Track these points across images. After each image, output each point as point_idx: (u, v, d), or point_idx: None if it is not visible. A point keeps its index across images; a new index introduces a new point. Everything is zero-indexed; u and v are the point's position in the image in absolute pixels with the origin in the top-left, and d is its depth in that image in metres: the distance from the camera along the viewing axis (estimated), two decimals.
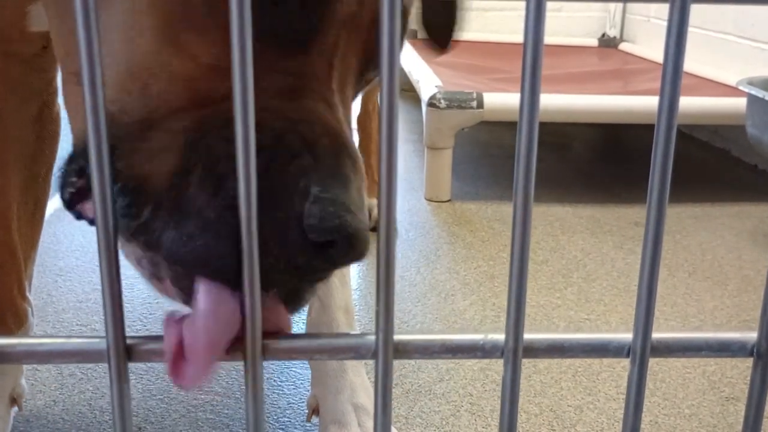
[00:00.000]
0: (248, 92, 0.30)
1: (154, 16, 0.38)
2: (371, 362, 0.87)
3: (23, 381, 0.78)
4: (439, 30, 0.62)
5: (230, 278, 0.35)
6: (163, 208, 0.36)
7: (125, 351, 0.33)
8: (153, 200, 0.36)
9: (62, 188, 0.40)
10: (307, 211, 0.36)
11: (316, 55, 0.40)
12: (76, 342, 0.34)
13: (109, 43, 0.38)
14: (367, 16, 0.42)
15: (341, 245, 0.36)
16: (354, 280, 1.19)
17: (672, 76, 0.31)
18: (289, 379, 0.90)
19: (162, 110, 0.38)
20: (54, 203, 1.46)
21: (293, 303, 0.39)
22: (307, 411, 0.79)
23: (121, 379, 0.33)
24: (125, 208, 0.37)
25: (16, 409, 0.78)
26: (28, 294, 0.75)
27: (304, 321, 0.80)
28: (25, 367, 0.88)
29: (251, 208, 0.31)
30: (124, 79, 0.38)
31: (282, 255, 0.36)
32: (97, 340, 0.34)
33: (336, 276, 0.75)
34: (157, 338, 0.34)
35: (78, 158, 0.40)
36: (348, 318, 0.76)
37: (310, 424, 0.80)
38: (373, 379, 0.79)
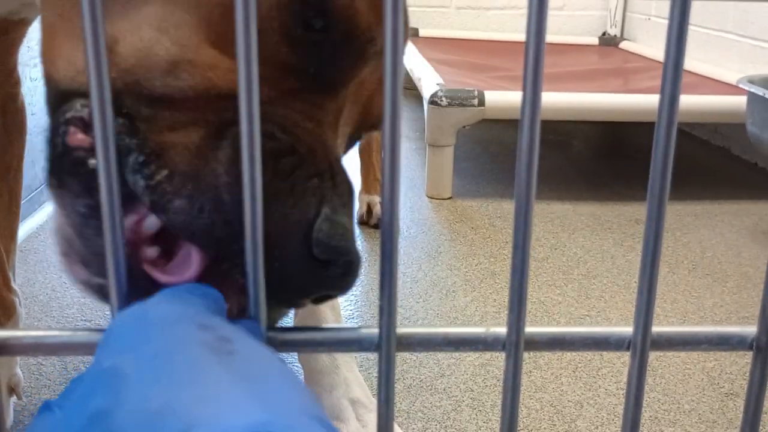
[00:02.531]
0: (254, 94, 0.30)
1: (190, 15, 0.39)
2: (370, 358, 0.88)
3: (18, 370, 0.79)
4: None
5: (224, 256, 0.36)
6: (180, 175, 0.37)
7: None
8: (170, 166, 0.37)
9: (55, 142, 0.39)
10: (318, 227, 0.37)
11: (333, 104, 0.43)
12: (82, 335, 0.35)
13: (137, 12, 0.39)
14: (373, 83, 0.45)
15: (340, 267, 0.37)
16: None
17: (672, 74, 0.32)
18: None
19: (188, 93, 0.38)
20: None
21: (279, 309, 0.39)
22: None
23: None
24: (140, 165, 0.37)
25: (15, 398, 0.78)
26: (14, 285, 0.76)
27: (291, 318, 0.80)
28: (29, 361, 0.89)
29: (256, 204, 0.32)
30: (152, 54, 0.38)
31: (283, 258, 0.37)
32: (102, 332, 0.34)
33: None
34: None
35: (62, 111, 0.39)
36: (335, 314, 0.77)
37: None
38: (370, 376, 0.80)
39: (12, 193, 0.75)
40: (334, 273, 0.37)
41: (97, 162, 0.31)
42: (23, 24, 0.67)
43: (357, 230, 0.43)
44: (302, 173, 0.38)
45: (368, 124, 0.47)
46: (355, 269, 0.38)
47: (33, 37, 0.68)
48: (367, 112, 0.46)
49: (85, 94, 0.38)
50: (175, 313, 0.28)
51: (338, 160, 0.41)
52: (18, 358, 0.79)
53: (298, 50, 0.40)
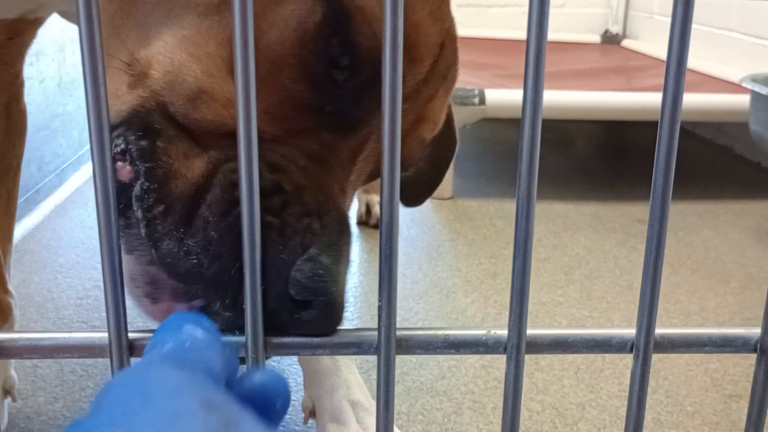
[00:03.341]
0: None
1: (223, 48, 0.39)
2: (370, 360, 0.87)
3: (13, 372, 0.79)
4: (415, 190, 0.62)
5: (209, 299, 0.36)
6: (173, 214, 0.37)
7: (128, 345, 0.33)
8: (167, 202, 0.37)
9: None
10: (298, 266, 0.36)
11: (351, 142, 0.42)
12: (78, 337, 0.34)
13: (173, 35, 0.39)
14: (405, 123, 0.44)
15: (315, 309, 0.36)
16: (355, 276, 1.19)
17: (675, 72, 0.31)
18: (288, 377, 0.90)
19: (203, 125, 0.38)
20: (54, 200, 1.46)
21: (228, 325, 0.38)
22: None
23: None
24: (142, 192, 0.37)
25: (10, 400, 0.78)
26: (9, 287, 0.75)
27: None
28: (25, 363, 0.88)
29: (254, 204, 0.31)
30: (181, 80, 0.39)
31: (263, 297, 0.36)
32: (99, 334, 0.34)
33: None
34: None
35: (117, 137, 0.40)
36: None
37: (309, 424, 0.79)
38: (370, 378, 0.79)
39: (10, 194, 0.75)
40: (311, 315, 0.36)
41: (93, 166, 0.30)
42: (36, 24, 0.66)
43: (351, 268, 0.41)
44: (291, 212, 0.37)
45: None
46: (333, 311, 0.36)
47: None
48: None
49: (114, 126, 0.39)
50: (179, 382, 0.25)
51: (334, 199, 0.40)
52: (13, 361, 0.79)
53: (318, 88, 0.39)
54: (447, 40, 0.44)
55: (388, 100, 0.31)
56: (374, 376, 0.82)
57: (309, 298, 0.35)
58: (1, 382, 0.76)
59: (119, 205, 0.35)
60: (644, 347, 0.35)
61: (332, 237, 0.38)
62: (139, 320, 1.12)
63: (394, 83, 0.30)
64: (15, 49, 0.67)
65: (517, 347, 0.34)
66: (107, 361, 0.33)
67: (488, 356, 0.95)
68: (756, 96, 1.38)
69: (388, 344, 0.34)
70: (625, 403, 0.37)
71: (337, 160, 0.42)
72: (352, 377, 0.75)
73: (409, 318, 1.05)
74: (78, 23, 0.29)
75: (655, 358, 0.36)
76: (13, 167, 0.74)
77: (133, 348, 0.34)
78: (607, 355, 0.95)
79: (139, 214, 0.37)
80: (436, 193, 1.77)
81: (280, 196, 0.38)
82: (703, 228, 1.45)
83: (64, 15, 0.66)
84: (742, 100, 1.53)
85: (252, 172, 0.31)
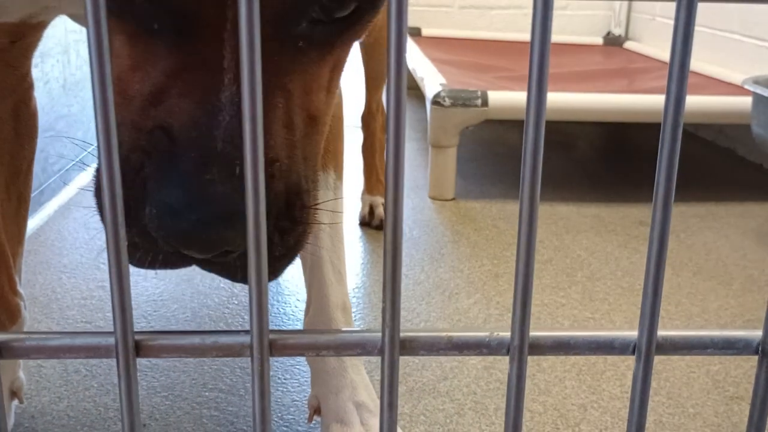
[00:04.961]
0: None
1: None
2: (372, 361, 0.87)
3: (21, 374, 0.78)
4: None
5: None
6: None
7: (134, 346, 0.34)
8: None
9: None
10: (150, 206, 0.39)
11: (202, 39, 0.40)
12: (84, 337, 0.34)
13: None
14: None
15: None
16: (358, 278, 1.19)
17: (678, 74, 0.31)
18: (293, 377, 0.90)
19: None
20: (58, 200, 1.47)
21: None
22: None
23: (129, 374, 0.33)
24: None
25: (17, 402, 0.78)
26: (19, 289, 0.75)
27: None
28: (29, 363, 0.89)
29: (259, 203, 0.31)
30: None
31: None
32: (105, 335, 0.34)
33: (331, 273, 0.75)
34: (165, 333, 0.34)
35: None
36: (346, 316, 0.76)
37: (313, 423, 0.80)
38: (373, 379, 0.79)
39: (21, 197, 0.75)
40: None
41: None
42: (41, 27, 0.66)
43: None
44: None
45: None
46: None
47: None
48: None
49: None
50: None
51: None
52: (21, 362, 0.79)
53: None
54: None
55: (392, 101, 0.31)
56: (377, 377, 0.83)
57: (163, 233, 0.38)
58: (8, 383, 0.76)
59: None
60: (646, 349, 0.35)
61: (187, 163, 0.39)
62: (143, 321, 1.12)
63: (399, 85, 0.31)
64: (20, 52, 0.66)
65: (520, 349, 0.34)
66: (112, 361, 0.34)
67: (490, 357, 0.95)
68: (758, 98, 1.38)
69: (392, 345, 0.34)
70: (627, 404, 0.37)
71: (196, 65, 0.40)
72: (359, 378, 0.76)
73: (412, 319, 1.05)
74: (86, 25, 0.29)
75: (657, 360, 0.36)
76: (23, 170, 0.73)
77: (139, 349, 0.34)
78: (608, 357, 0.95)
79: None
80: (438, 195, 1.76)
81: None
82: (704, 230, 1.45)
83: (72, 17, 0.66)
84: (744, 102, 1.53)
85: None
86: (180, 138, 0.39)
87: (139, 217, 0.39)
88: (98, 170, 0.42)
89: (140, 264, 0.42)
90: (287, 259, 0.45)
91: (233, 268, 0.42)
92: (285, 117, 0.42)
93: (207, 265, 0.43)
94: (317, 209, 0.46)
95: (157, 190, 0.38)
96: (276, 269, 0.44)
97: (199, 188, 0.38)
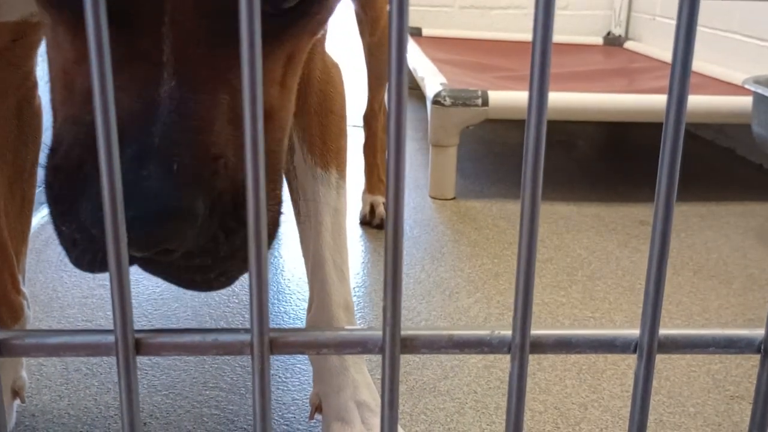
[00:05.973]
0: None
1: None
2: (374, 360, 0.87)
3: (24, 373, 0.78)
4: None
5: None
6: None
7: (134, 344, 0.34)
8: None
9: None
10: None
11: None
12: (84, 335, 0.34)
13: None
14: None
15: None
16: (359, 276, 1.19)
17: (680, 74, 0.31)
18: (293, 375, 0.90)
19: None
20: None
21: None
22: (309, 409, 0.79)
23: (129, 372, 0.33)
24: None
25: (18, 401, 0.78)
26: (23, 288, 0.75)
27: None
28: (30, 362, 0.89)
29: (260, 202, 0.31)
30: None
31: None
32: (106, 333, 0.34)
33: (334, 272, 0.75)
34: (165, 332, 0.34)
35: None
36: (348, 315, 0.76)
37: (314, 421, 0.80)
38: (374, 377, 0.79)
39: (25, 196, 0.74)
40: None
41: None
42: (42, 25, 0.66)
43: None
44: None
45: None
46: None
47: None
48: None
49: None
50: None
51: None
52: (23, 360, 0.79)
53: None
54: None
55: (394, 101, 0.31)
56: (377, 375, 0.82)
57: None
58: (10, 382, 0.76)
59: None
60: (648, 348, 0.35)
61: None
62: (144, 320, 1.12)
63: (400, 84, 0.31)
64: (22, 51, 0.66)
65: (521, 347, 0.34)
66: (112, 360, 0.34)
67: (491, 356, 0.95)
68: (758, 98, 1.38)
69: (392, 343, 0.34)
70: (627, 403, 0.37)
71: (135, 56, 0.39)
72: (360, 377, 0.75)
73: (412, 318, 1.05)
74: (85, 25, 0.29)
75: (657, 359, 0.36)
76: (27, 169, 0.73)
77: (139, 347, 0.34)
78: (609, 356, 0.95)
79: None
80: (439, 194, 1.77)
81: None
82: (705, 229, 1.45)
83: None
84: (745, 102, 1.53)
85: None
86: (117, 133, 0.39)
87: (79, 214, 0.39)
88: (51, 150, 0.42)
89: (79, 263, 0.42)
90: (236, 263, 0.42)
91: (176, 270, 0.41)
92: (230, 113, 0.41)
93: (150, 266, 0.42)
94: (276, 211, 0.45)
95: (93, 186, 0.38)
96: (223, 273, 0.42)
97: (134, 184, 0.36)
